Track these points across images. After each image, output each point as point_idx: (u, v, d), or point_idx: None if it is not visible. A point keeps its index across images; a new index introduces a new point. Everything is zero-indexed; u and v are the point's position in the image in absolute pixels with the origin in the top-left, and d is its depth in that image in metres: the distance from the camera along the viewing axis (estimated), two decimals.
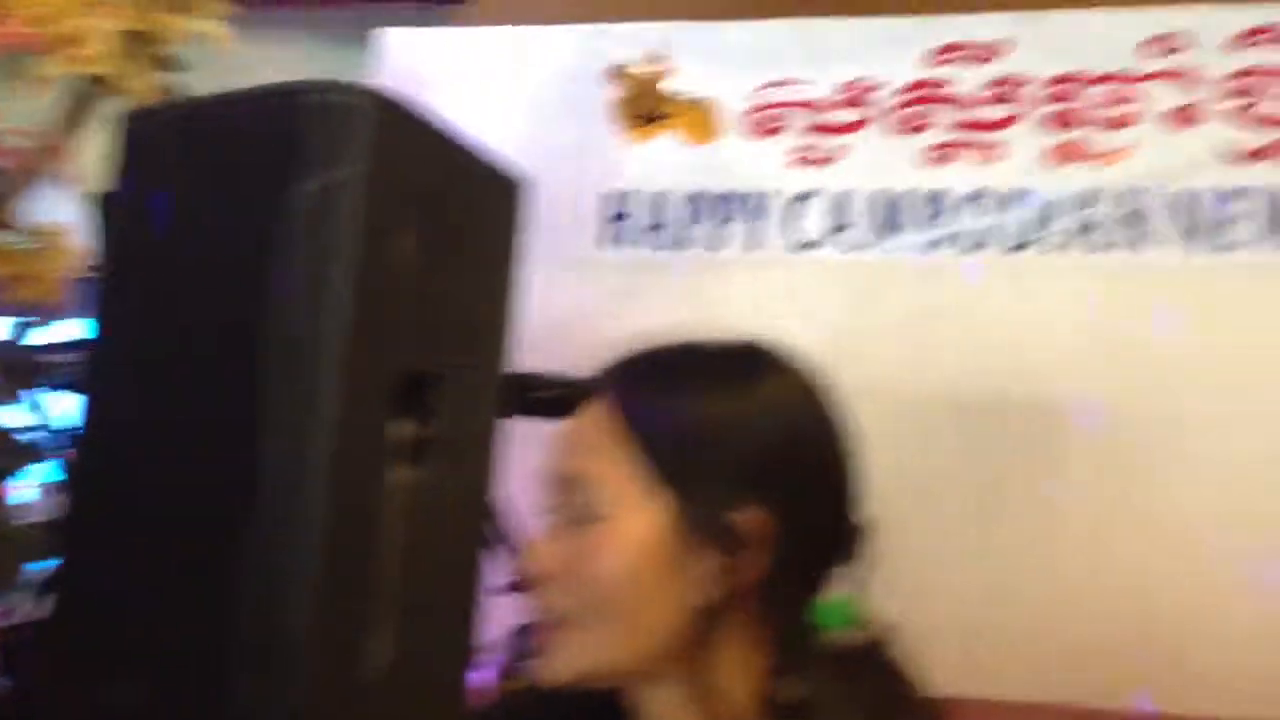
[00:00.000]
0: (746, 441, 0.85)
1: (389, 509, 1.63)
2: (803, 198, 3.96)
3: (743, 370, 0.89)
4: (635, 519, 0.84)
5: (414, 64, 4.31)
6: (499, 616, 2.48)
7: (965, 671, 3.66)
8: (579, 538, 0.85)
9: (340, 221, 1.62)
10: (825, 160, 3.96)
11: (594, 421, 0.88)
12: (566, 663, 0.85)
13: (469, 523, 1.91)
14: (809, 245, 3.94)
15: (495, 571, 2.37)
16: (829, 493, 0.88)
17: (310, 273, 1.61)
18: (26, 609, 2.50)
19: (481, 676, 2.18)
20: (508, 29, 4.36)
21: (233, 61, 2.89)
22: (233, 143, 1.74)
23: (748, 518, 0.83)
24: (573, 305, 3.88)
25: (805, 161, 3.97)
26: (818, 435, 0.89)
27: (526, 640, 2.71)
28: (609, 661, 0.85)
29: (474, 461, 1.91)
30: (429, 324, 1.82)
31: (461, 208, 1.95)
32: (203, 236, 1.74)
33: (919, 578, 3.63)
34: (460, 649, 1.85)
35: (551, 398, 2.60)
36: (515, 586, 2.35)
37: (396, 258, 1.70)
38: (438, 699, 1.75)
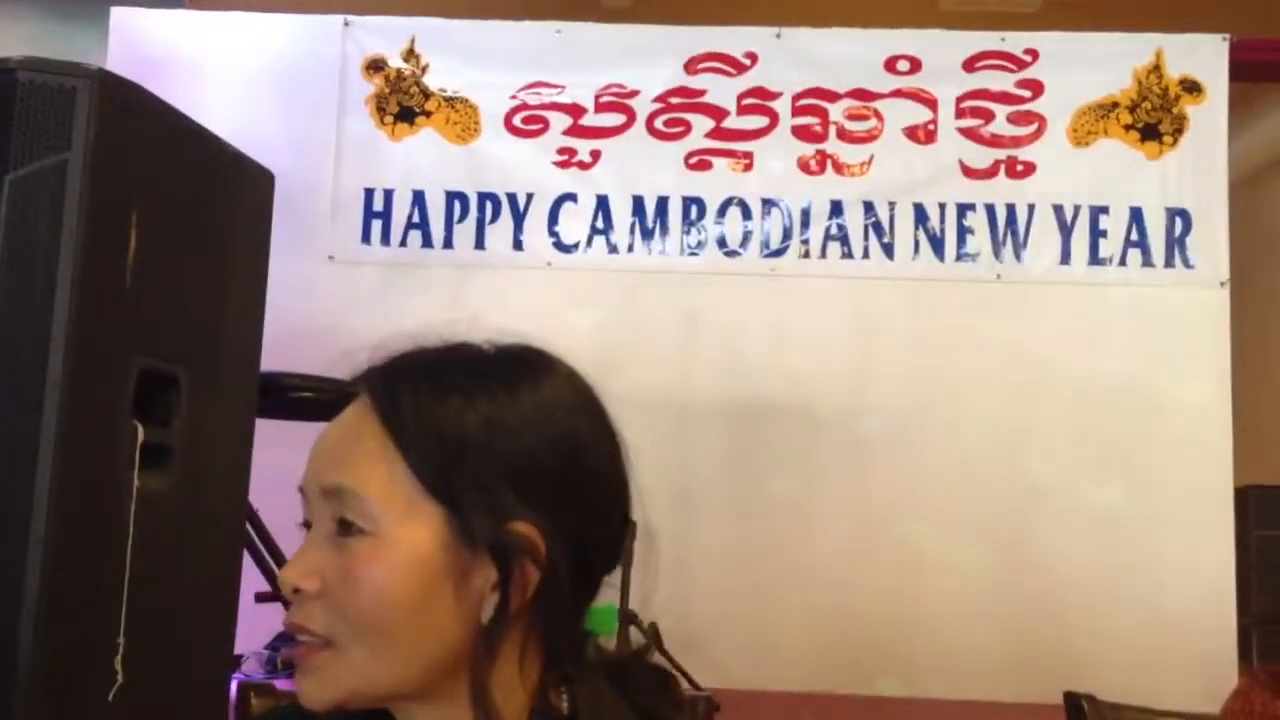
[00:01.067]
0: (515, 451, 0.80)
1: (127, 517, 1.51)
2: (565, 199, 3.97)
3: (510, 376, 0.84)
4: (402, 534, 0.78)
5: (152, 47, 4.08)
6: (260, 624, 2.37)
7: (732, 667, 3.77)
8: (342, 553, 0.79)
9: (59, 210, 1.51)
10: (587, 164, 3.98)
11: (355, 429, 0.81)
12: (329, 685, 0.78)
13: (222, 528, 1.80)
14: (571, 247, 3.95)
15: (255, 578, 2.25)
16: (600, 501, 0.85)
17: (25, 264, 1.49)
18: None
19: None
20: (252, 14, 4.17)
21: None
22: None
23: (520, 529, 0.79)
24: (331, 303, 3.76)
25: (567, 164, 3.99)
26: (587, 443, 0.84)
27: (284, 650, 2.59)
28: (375, 684, 0.79)
29: (225, 464, 1.80)
30: (167, 322, 1.71)
31: (205, 202, 1.85)
32: None
33: (684, 580, 3.73)
34: (218, 659, 1.74)
35: (308, 399, 2.50)
36: (272, 596, 2.23)
37: (130, 249, 1.59)
38: (194, 713, 1.64)
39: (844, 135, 3.94)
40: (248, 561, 2.16)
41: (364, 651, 0.79)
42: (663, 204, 3.94)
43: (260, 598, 2.22)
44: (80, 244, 1.51)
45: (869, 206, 3.89)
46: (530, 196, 3.97)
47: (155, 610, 1.54)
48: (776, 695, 3.43)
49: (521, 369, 0.86)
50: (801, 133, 3.95)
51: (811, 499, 3.77)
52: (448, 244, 3.98)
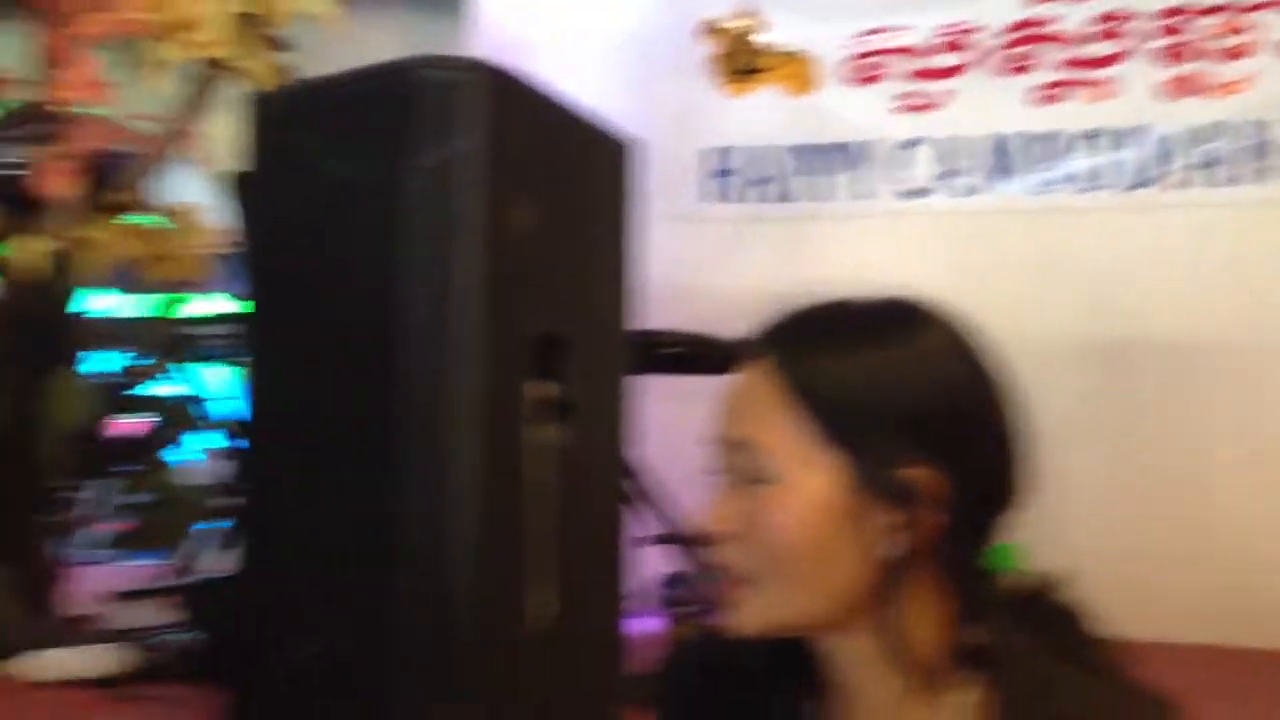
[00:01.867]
0: (911, 397, 0.85)
1: (536, 467, 1.68)
2: (909, 145, 3.91)
3: (900, 326, 0.89)
4: (807, 480, 0.85)
5: (508, 29, 4.34)
6: (645, 568, 2.52)
7: (1113, 614, 3.57)
8: (753, 498, 0.87)
9: (463, 192, 1.66)
10: (929, 106, 3.91)
11: (757, 385, 0.89)
12: (752, 617, 0.88)
13: (610, 477, 1.96)
14: (918, 193, 3.89)
15: (639, 524, 2.41)
16: (995, 443, 0.88)
17: (439, 243, 1.66)
18: (205, 565, 2.64)
19: (640, 625, 2.24)
20: None
21: (333, 36, 2.94)
22: (355, 120, 1.79)
23: (919, 474, 0.83)
24: (679, 262, 3.88)
25: (909, 108, 3.93)
26: (978, 386, 0.88)
27: (675, 590, 2.76)
28: (794, 616, 0.87)
29: (609, 419, 1.96)
30: (554, 288, 1.86)
31: (575, 173, 1.98)
32: (335, 212, 1.79)
33: (1058, 522, 3.59)
34: (614, 600, 1.90)
35: (674, 354, 2.64)
36: (661, 539, 2.39)
37: (520, 225, 1.74)
38: (597, 648, 1.81)
39: (1214, 53, 3.64)
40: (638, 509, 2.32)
41: (777, 588, 0.87)
42: (1012, 141, 3.80)
43: (659, 540, 2.39)
44: (480, 225, 1.66)
45: (1247, 128, 3.59)
46: (873, 144, 3.94)
47: (565, 552, 1.70)
48: (1162, 646, 3.27)
49: (908, 319, 0.91)
50: (1164, 54, 3.69)
51: (1200, 435, 3.53)
52: (791, 198, 4.02)
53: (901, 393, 0.86)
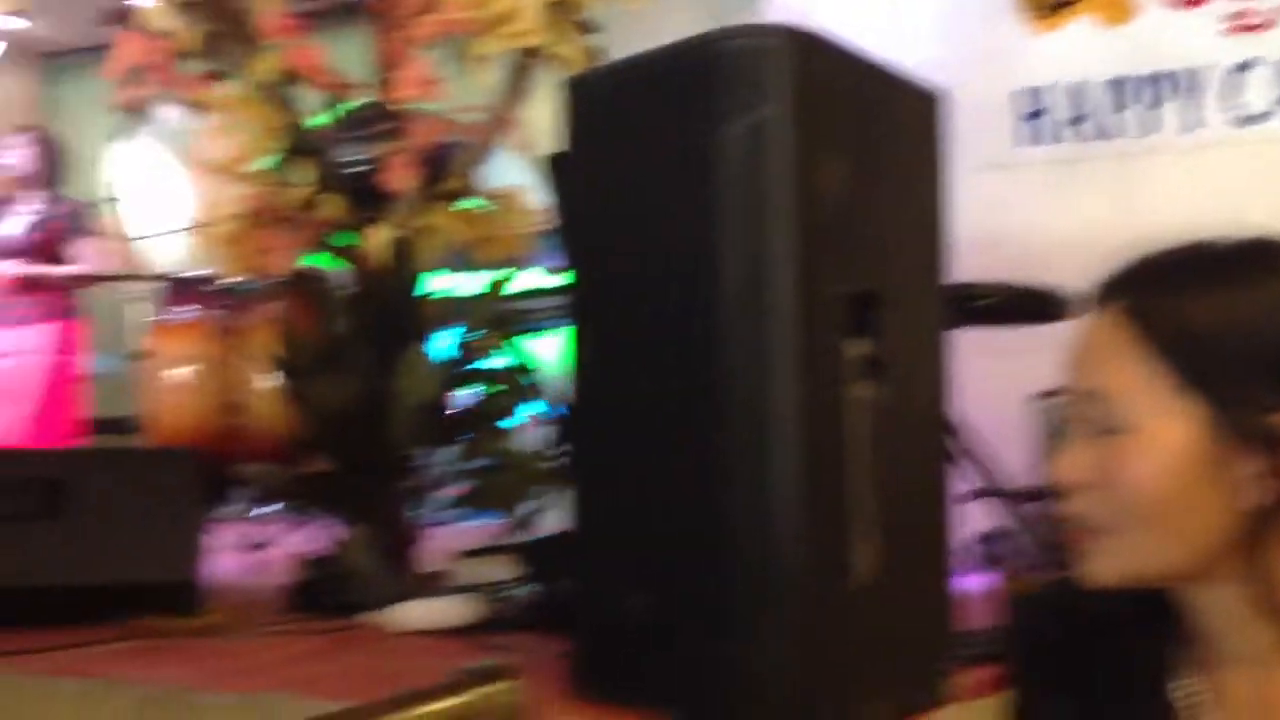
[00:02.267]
0: (1273, 342, 0.82)
1: (855, 426, 1.69)
2: (1243, 68, 3.61)
3: (1260, 267, 0.86)
4: (1165, 428, 0.84)
5: None
6: (965, 524, 2.50)
7: None
8: (1104, 450, 0.86)
9: (773, 158, 1.69)
10: (1266, 24, 3.59)
11: (1108, 333, 0.88)
12: (1108, 567, 0.87)
13: (930, 435, 1.94)
14: (1255, 119, 3.59)
15: (959, 481, 2.38)
16: None
17: (751, 209, 1.69)
18: (541, 524, 2.82)
19: (963, 582, 2.23)
20: None
21: (636, 15, 3.03)
22: (663, 96, 1.85)
23: None
24: (993, 211, 3.76)
25: (1242, 28, 3.62)
26: None
27: (995, 546, 2.72)
28: (1153, 565, 0.86)
29: (926, 375, 1.94)
30: (867, 246, 1.86)
31: (884, 129, 1.96)
32: (648, 186, 1.86)
33: None
34: (939, 558, 1.89)
35: (991, 305, 2.57)
36: (980, 495, 2.35)
37: (830, 186, 1.75)
38: (924, 605, 1.81)
39: None
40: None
41: (1133, 538, 0.86)
42: None
43: (978, 496, 2.35)
44: (791, 188, 1.69)
45: None
46: (1201, 70, 3.67)
47: (888, 510, 1.71)
48: None
49: (1269, 259, 0.86)
50: None
51: None
52: (1112, 135, 3.80)
53: (1268, 335, 0.82)
